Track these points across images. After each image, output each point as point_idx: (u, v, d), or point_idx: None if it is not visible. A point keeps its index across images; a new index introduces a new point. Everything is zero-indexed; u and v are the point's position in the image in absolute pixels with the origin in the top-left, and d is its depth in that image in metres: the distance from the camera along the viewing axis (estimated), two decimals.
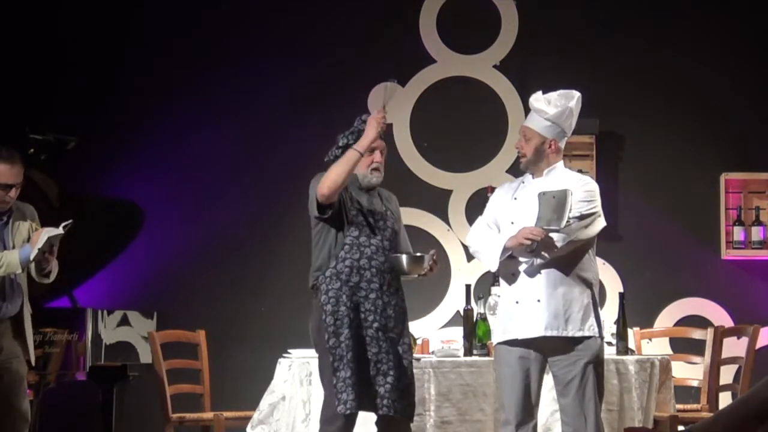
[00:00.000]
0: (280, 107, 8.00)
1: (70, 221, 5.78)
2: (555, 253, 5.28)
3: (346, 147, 5.51)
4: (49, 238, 5.73)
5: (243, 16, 8.10)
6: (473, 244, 5.55)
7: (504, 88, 8.00)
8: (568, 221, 5.24)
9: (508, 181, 5.76)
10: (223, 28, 8.09)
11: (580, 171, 7.83)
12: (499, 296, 5.77)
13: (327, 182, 5.35)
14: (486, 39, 8.07)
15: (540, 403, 5.81)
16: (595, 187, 5.45)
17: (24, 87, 7.92)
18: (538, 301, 5.32)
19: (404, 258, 5.52)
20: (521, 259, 5.35)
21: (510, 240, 5.31)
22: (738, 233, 7.78)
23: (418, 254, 5.55)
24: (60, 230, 5.76)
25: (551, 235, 5.26)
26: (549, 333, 5.30)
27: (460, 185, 7.96)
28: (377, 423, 5.53)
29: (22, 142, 6.82)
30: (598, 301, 5.44)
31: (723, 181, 7.79)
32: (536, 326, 5.32)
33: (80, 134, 7.35)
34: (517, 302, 5.37)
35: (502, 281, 5.50)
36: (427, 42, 8.07)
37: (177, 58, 8.04)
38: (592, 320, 5.37)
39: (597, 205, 5.41)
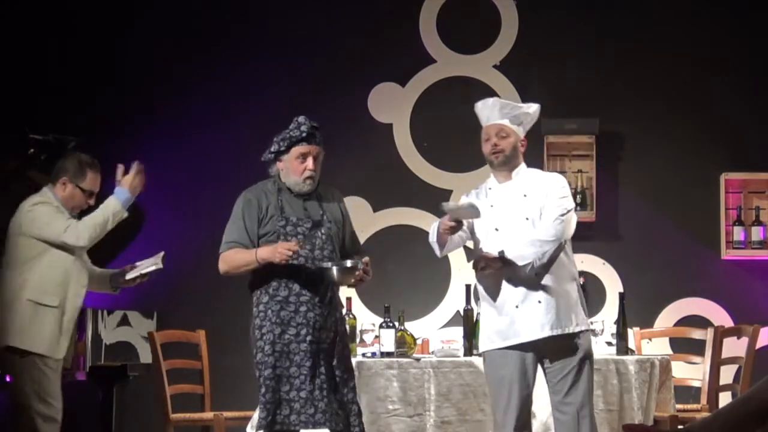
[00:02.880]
0: (280, 107, 7.99)
1: (163, 252, 6.20)
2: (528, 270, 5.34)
3: (277, 153, 5.48)
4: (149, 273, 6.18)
5: (243, 17, 8.10)
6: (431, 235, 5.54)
7: (504, 88, 8.00)
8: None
9: (465, 193, 5.73)
10: (223, 29, 8.09)
11: (579, 171, 7.86)
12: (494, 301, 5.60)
13: (224, 269, 5.51)
14: (486, 39, 8.07)
15: (539, 402, 5.82)
16: (566, 182, 5.54)
17: (24, 87, 7.92)
18: (539, 302, 5.32)
19: (334, 269, 5.36)
20: (521, 264, 5.34)
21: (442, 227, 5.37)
22: (738, 233, 7.78)
23: (348, 263, 5.38)
24: (161, 265, 6.17)
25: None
26: (555, 332, 5.31)
27: (460, 185, 7.95)
28: None
29: (22, 142, 6.81)
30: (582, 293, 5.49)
31: (723, 181, 7.79)
32: (541, 328, 5.32)
33: (80, 134, 7.36)
34: (517, 306, 5.35)
35: (492, 287, 5.42)
36: (427, 42, 8.07)
37: (177, 58, 8.05)
38: (582, 313, 5.41)
39: (571, 199, 5.48)
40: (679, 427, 6.32)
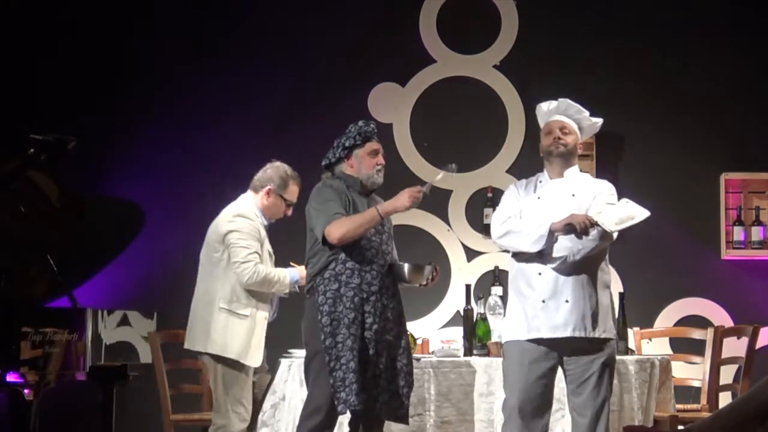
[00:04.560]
0: (280, 107, 8.01)
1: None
2: (588, 245, 5.33)
3: (352, 147, 5.57)
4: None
5: (243, 17, 8.10)
6: (504, 227, 5.44)
7: (504, 88, 8.01)
8: (612, 231, 5.31)
9: (515, 181, 5.79)
10: (223, 29, 8.09)
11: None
12: (507, 294, 5.68)
13: (343, 232, 5.45)
14: (486, 39, 8.07)
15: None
16: (615, 191, 5.62)
17: (24, 87, 7.92)
18: (567, 301, 5.33)
19: (406, 267, 5.63)
20: (555, 255, 5.35)
21: (556, 223, 5.32)
22: (738, 233, 7.78)
23: (419, 264, 5.65)
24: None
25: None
26: (576, 334, 5.32)
27: (460, 185, 7.96)
28: (352, 422, 5.56)
29: (22, 142, 6.81)
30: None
31: (723, 181, 7.80)
32: (564, 327, 5.33)
33: (80, 134, 7.36)
34: (543, 301, 5.38)
35: (522, 279, 5.47)
36: (427, 42, 8.07)
37: (177, 58, 8.04)
38: (611, 322, 5.43)
39: None
40: (680, 427, 6.32)
